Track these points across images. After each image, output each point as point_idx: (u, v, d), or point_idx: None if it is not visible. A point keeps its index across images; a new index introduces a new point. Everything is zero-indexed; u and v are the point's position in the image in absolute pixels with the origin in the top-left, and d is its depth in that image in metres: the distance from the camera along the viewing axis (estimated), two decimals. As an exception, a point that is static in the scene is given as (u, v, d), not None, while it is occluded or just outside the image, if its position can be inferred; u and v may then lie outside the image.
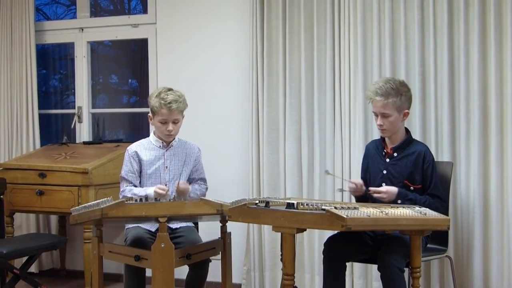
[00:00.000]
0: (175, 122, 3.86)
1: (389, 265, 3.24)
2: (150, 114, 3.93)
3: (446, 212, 3.63)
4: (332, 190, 4.42)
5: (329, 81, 4.45)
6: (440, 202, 3.56)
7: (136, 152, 3.91)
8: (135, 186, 3.87)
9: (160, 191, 3.66)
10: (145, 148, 3.94)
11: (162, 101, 3.80)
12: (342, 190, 3.90)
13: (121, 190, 3.89)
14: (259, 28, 4.60)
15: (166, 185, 3.77)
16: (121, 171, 3.92)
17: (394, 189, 3.49)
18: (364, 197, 3.67)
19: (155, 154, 3.93)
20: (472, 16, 4.05)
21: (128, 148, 3.96)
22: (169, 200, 3.56)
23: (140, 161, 3.89)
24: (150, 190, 3.73)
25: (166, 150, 3.94)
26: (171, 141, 3.96)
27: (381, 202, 3.47)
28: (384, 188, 3.50)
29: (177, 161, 3.95)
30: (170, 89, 3.89)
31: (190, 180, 4.03)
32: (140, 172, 3.91)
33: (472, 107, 4.06)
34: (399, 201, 3.47)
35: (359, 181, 3.68)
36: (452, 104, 4.12)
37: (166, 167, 3.92)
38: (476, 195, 4.03)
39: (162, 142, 3.94)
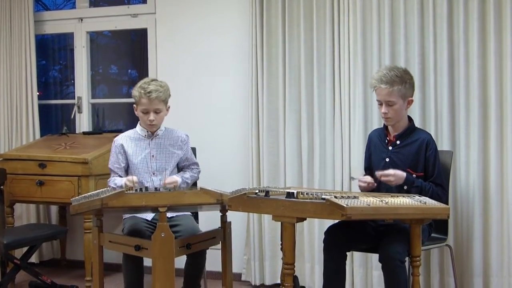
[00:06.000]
0: (156, 111, 3.86)
1: (391, 258, 3.23)
2: (134, 105, 3.94)
3: (446, 201, 3.63)
4: (331, 180, 4.43)
5: (328, 70, 4.44)
6: (442, 192, 3.55)
7: (121, 144, 3.94)
8: (121, 176, 3.90)
9: (128, 183, 3.66)
10: (131, 139, 3.97)
11: (142, 91, 3.81)
12: (352, 178, 3.97)
13: (108, 180, 3.94)
14: (258, 18, 4.58)
15: (153, 174, 3.89)
16: (109, 162, 3.96)
17: (402, 173, 3.44)
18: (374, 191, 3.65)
19: (140, 144, 3.95)
20: (472, 5, 4.03)
21: (115, 139, 3.99)
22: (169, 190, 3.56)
23: (125, 153, 3.92)
24: (123, 181, 3.76)
25: (152, 140, 3.96)
26: (156, 131, 3.97)
27: (388, 187, 3.46)
28: (392, 171, 3.44)
29: (163, 149, 3.97)
30: (153, 80, 3.91)
31: (181, 168, 4.06)
32: (128, 162, 3.94)
33: (471, 96, 4.06)
34: (405, 187, 3.45)
35: (370, 179, 3.58)
36: (452, 93, 4.11)
37: (153, 156, 3.94)
38: (476, 183, 4.03)
39: (147, 132, 3.95)
